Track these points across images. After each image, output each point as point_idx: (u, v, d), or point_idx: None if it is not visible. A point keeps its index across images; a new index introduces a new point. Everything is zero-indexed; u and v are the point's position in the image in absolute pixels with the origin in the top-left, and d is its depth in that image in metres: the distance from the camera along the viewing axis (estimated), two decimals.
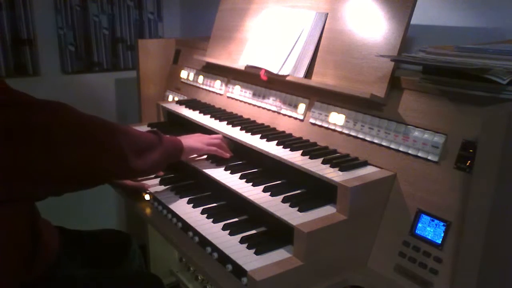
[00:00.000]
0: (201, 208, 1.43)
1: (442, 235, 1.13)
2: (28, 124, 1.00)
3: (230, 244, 1.23)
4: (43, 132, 1.01)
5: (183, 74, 2.24)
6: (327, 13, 1.53)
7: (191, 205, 1.45)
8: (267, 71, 1.63)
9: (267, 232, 1.30)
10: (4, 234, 1.06)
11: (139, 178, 1.60)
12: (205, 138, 1.55)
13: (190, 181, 1.64)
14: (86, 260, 1.48)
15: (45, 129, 1.02)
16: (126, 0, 2.62)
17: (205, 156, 1.59)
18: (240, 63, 1.77)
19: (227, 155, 1.54)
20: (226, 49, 1.94)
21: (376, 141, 1.32)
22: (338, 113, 1.44)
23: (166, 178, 1.64)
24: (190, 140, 1.50)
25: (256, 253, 1.18)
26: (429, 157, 1.19)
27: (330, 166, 1.29)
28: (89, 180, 1.17)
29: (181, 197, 1.51)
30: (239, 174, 1.45)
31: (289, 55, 1.57)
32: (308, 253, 1.12)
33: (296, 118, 1.59)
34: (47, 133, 1.02)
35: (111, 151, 1.17)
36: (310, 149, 1.41)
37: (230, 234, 1.28)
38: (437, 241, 1.14)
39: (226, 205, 1.46)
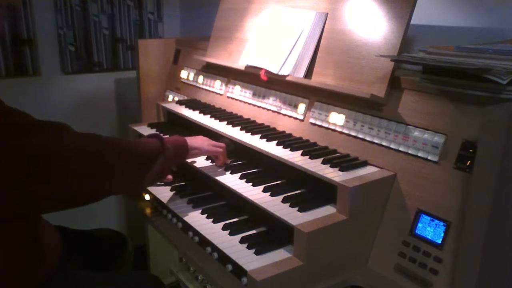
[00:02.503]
0: (201, 208, 1.43)
1: (442, 235, 1.13)
2: (27, 150, 0.97)
3: (230, 244, 1.23)
4: (43, 158, 0.99)
5: (183, 74, 2.24)
6: (327, 13, 1.53)
7: (191, 205, 1.45)
8: (267, 71, 1.63)
9: (267, 232, 1.30)
10: (4, 236, 1.06)
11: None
12: (211, 141, 1.53)
13: (190, 181, 1.64)
14: (84, 259, 1.48)
15: (45, 155, 0.99)
16: (126, 0, 2.62)
17: (205, 156, 1.59)
18: (240, 63, 1.77)
19: (224, 163, 1.52)
20: (226, 49, 1.94)
21: (376, 141, 1.32)
22: (338, 113, 1.44)
23: None
24: (197, 141, 1.48)
25: (256, 253, 1.18)
26: (429, 157, 1.19)
27: (330, 166, 1.29)
28: (90, 200, 1.15)
29: (181, 197, 1.52)
30: (239, 174, 1.45)
31: (289, 55, 1.57)
32: (308, 253, 1.12)
33: (296, 118, 1.59)
34: (47, 159, 1.00)
35: (114, 173, 1.15)
36: (310, 149, 1.41)
37: (230, 234, 1.28)
38: (437, 241, 1.14)
39: (226, 205, 1.46)
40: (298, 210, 1.21)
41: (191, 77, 2.19)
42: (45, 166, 1.00)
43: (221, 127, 1.66)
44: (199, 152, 1.48)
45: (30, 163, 0.98)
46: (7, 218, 1.03)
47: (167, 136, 1.79)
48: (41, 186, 1.01)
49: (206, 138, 1.53)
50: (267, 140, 1.50)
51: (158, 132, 1.39)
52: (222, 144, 1.53)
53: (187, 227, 1.35)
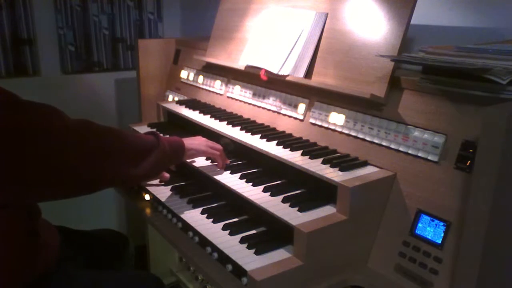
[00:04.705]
0: (201, 208, 1.43)
1: (442, 235, 1.13)
2: (20, 127, 0.97)
3: (230, 244, 1.23)
4: (37, 136, 0.99)
5: (183, 74, 2.24)
6: (327, 13, 1.53)
7: (191, 205, 1.45)
8: (267, 71, 1.63)
9: (267, 232, 1.30)
10: (3, 235, 1.06)
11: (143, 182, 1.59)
12: (209, 142, 1.53)
13: (190, 181, 1.64)
14: (85, 260, 1.48)
15: (39, 133, 0.99)
16: (126, 0, 2.62)
17: (205, 156, 1.59)
18: (240, 63, 1.77)
19: (223, 164, 1.51)
20: (226, 49, 1.94)
21: (376, 141, 1.32)
22: (338, 113, 1.44)
23: None
24: (194, 142, 1.48)
25: (256, 253, 1.18)
26: (429, 157, 1.19)
27: (330, 166, 1.29)
28: (83, 187, 1.14)
29: (181, 197, 1.51)
30: (239, 174, 1.45)
31: (289, 55, 1.57)
32: (308, 253, 1.12)
33: (296, 118, 1.59)
34: (41, 137, 0.99)
35: (105, 156, 1.14)
36: (310, 149, 1.41)
37: (230, 234, 1.28)
38: (437, 241, 1.14)
39: (226, 205, 1.46)
40: (298, 210, 1.21)
41: (191, 77, 2.19)
42: (42, 148, 0.99)
43: (221, 127, 1.66)
44: (196, 153, 1.48)
45: (27, 145, 0.97)
46: (5, 205, 1.03)
47: (167, 136, 1.80)
48: (33, 162, 0.99)
49: (204, 139, 1.53)
50: (267, 140, 1.50)
51: (156, 131, 1.39)
52: (220, 147, 1.53)
53: (187, 227, 1.35)
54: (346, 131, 1.41)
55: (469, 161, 1.10)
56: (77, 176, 1.10)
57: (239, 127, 1.63)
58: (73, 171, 1.08)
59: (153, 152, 1.28)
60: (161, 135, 1.39)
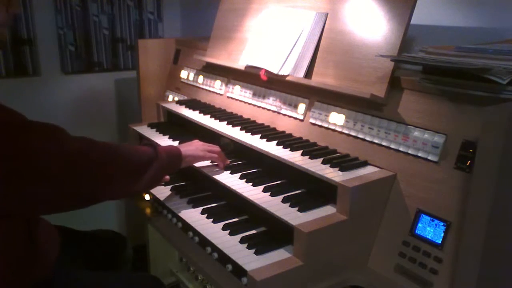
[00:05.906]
0: (201, 208, 1.43)
1: (442, 235, 1.13)
2: (23, 148, 0.97)
3: (230, 244, 1.23)
4: (39, 158, 0.99)
5: (183, 74, 2.24)
6: (327, 13, 1.53)
7: (191, 205, 1.45)
8: (267, 71, 1.63)
9: (267, 232, 1.30)
10: (2, 236, 1.06)
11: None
12: (205, 145, 1.52)
13: (190, 181, 1.64)
14: (84, 261, 1.48)
15: (41, 155, 0.99)
16: (126, 0, 2.62)
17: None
18: (240, 63, 1.77)
19: (224, 165, 1.51)
20: (226, 49, 1.94)
21: (376, 141, 1.32)
22: (338, 113, 1.44)
23: None
24: (191, 148, 1.48)
25: (256, 253, 1.18)
26: (429, 157, 1.19)
27: (330, 166, 1.29)
28: (85, 204, 1.16)
29: (181, 197, 1.52)
30: (239, 174, 1.45)
31: (289, 55, 1.57)
32: (308, 253, 1.12)
33: (296, 118, 1.59)
34: (43, 159, 0.99)
35: (106, 178, 1.16)
36: (310, 149, 1.41)
37: (230, 234, 1.28)
38: (437, 241, 1.14)
39: (226, 205, 1.46)
40: (298, 210, 1.21)
41: (191, 77, 2.19)
42: (43, 169, 1.00)
43: (221, 127, 1.66)
44: (193, 159, 1.48)
45: (28, 166, 0.98)
46: (3, 216, 1.03)
47: (167, 136, 1.80)
48: (38, 189, 1.01)
49: (200, 143, 1.53)
50: (267, 140, 1.50)
51: (152, 141, 1.39)
52: (217, 149, 1.52)
53: (187, 227, 1.35)
54: (346, 131, 1.41)
55: (469, 161, 1.10)
56: (79, 196, 1.11)
57: (239, 127, 1.63)
58: (73, 192, 1.09)
59: (152, 164, 1.29)
60: (158, 144, 1.39)
